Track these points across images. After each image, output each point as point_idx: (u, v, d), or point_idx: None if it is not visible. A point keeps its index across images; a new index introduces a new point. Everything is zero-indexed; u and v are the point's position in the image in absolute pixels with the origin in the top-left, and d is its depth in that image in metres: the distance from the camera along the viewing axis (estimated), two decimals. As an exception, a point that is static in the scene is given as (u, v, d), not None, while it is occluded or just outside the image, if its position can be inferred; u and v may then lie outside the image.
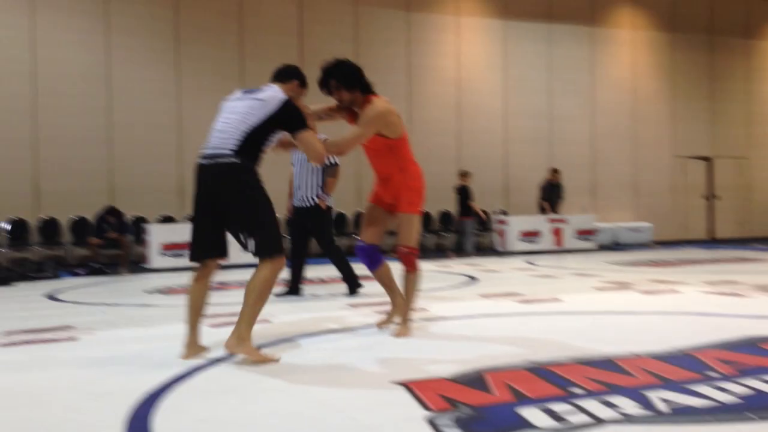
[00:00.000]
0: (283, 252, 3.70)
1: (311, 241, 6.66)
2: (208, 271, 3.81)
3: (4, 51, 11.39)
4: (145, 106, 12.24)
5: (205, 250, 3.76)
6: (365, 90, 4.28)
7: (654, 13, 16.90)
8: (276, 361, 3.56)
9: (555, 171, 13.54)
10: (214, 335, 4.44)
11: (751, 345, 3.73)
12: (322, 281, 8.07)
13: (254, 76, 13.07)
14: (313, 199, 6.47)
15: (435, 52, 14.78)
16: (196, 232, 3.76)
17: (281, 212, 9.69)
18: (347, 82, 4.23)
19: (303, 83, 4.08)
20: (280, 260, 3.66)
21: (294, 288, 6.53)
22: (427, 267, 9.89)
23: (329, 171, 6.58)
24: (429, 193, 4.70)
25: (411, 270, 4.35)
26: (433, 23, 14.74)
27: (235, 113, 3.75)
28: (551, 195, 13.40)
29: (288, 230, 6.86)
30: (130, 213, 11.53)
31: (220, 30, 12.88)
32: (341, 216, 13.23)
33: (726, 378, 3.01)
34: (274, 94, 3.78)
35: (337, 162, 6.61)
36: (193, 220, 3.79)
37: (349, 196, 13.33)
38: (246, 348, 3.54)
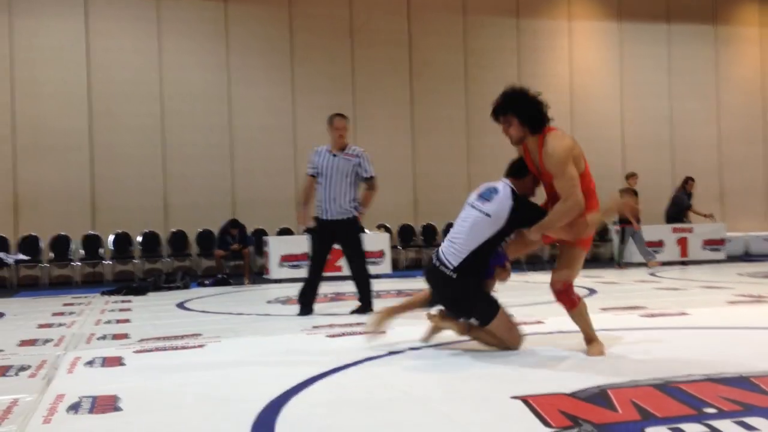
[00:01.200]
0: (498, 310, 4.05)
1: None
2: None
3: (137, 74, 12.24)
4: (263, 123, 12.76)
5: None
6: (542, 126, 3.90)
7: (784, 7, 15.82)
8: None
9: (690, 180, 12.89)
10: (332, 344, 4.55)
11: None
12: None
13: (365, 90, 13.33)
14: (351, 211, 6.16)
15: (546, 59, 14.50)
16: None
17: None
18: (528, 119, 3.90)
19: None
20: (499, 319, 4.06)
21: (310, 307, 6.18)
22: (541, 279, 9.67)
23: (370, 183, 6.28)
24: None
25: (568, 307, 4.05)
26: (544, 29, 14.48)
27: (465, 226, 3.99)
28: (687, 204, 12.80)
29: (314, 244, 6.30)
30: (251, 226, 12.03)
31: (331, 47, 13.24)
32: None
33: None
34: (501, 207, 3.89)
35: (374, 174, 6.33)
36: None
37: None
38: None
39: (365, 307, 6.15)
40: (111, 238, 11.83)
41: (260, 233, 12.06)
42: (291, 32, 13.06)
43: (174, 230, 12.20)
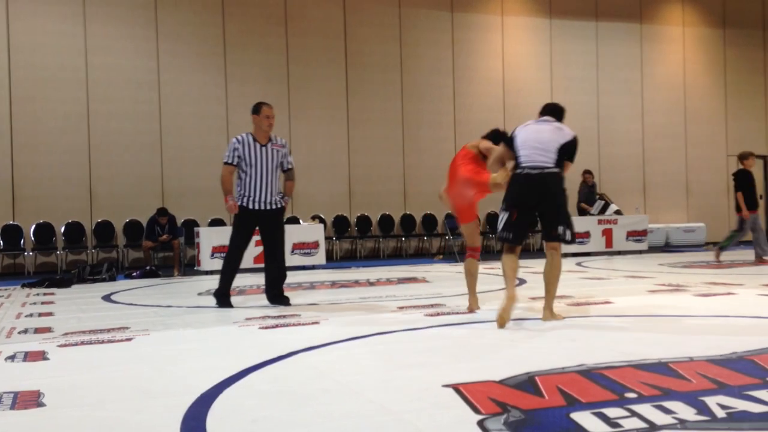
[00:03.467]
0: None
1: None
2: (519, 249, 4.88)
3: (59, 59, 11.78)
4: (194, 111, 12.50)
5: (521, 235, 4.84)
6: None
7: (704, 9, 16.51)
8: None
9: (586, 173, 13.41)
10: (265, 336, 4.52)
11: (812, 349, 3.61)
12: (370, 283, 8.11)
13: (300, 79, 13.23)
14: (280, 202, 6.14)
15: (480, 53, 14.72)
16: (517, 221, 4.77)
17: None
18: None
19: None
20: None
21: (229, 299, 6.14)
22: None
23: (291, 174, 6.30)
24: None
25: None
26: (478, 23, 14.68)
27: (545, 136, 4.78)
28: (588, 197, 13.24)
29: (238, 234, 6.14)
30: (181, 216, 11.78)
31: (266, 34, 13.07)
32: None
33: (786, 383, 2.93)
34: (564, 127, 4.87)
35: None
36: (512, 209, 4.79)
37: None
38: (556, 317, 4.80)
39: (285, 297, 6.23)
40: (32, 228, 11.39)
41: (191, 224, 11.82)
42: (223, 18, 12.83)
43: (99, 220, 11.83)
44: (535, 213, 4.81)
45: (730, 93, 16.72)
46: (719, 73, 16.67)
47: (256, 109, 6.20)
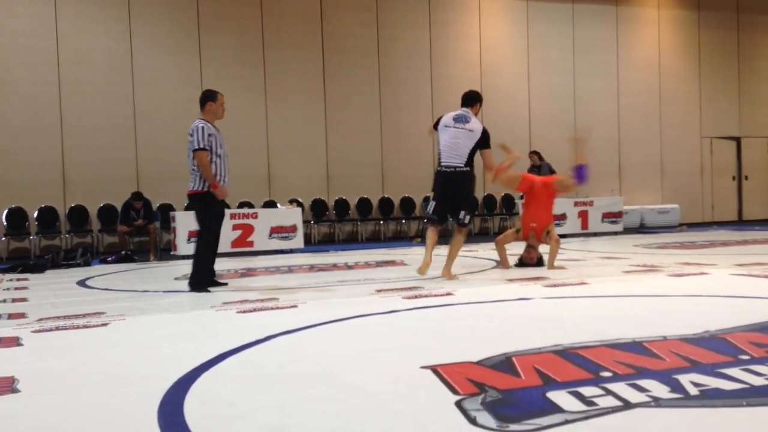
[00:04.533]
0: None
1: None
2: (440, 228, 6.42)
3: (29, 41, 11.54)
4: (168, 94, 12.33)
5: (443, 217, 6.46)
6: None
7: (680, -10, 16.60)
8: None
9: (530, 153, 13.44)
10: (243, 320, 4.50)
11: (782, 327, 3.68)
12: (348, 267, 8.11)
13: (276, 62, 13.09)
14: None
15: (457, 35, 14.67)
16: (439, 207, 6.37)
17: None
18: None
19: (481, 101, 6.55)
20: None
21: (205, 285, 6.21)
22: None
23: None
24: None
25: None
26: (455, 5, 14.62)
27: (460, 140, 6.24)
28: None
29: (215, 219, 6.31)
30: (156, 200, 11.66)
31: (241, 17, 12.90)
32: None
33: (757, 361, 2.98)
34: (477, 126, 6.29)
35: None
36: (436, 199, 6.38)
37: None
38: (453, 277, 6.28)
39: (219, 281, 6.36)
40: (4, 213, 11.21)
41: (167, 208, 11.70)
42: None
43: (73, 205, 11.67)
44: (450, 200, 6.26)
45: (704, 75, 16.88)
46: (694, 55, 16.81)
47: (212, 96, 6.29)
